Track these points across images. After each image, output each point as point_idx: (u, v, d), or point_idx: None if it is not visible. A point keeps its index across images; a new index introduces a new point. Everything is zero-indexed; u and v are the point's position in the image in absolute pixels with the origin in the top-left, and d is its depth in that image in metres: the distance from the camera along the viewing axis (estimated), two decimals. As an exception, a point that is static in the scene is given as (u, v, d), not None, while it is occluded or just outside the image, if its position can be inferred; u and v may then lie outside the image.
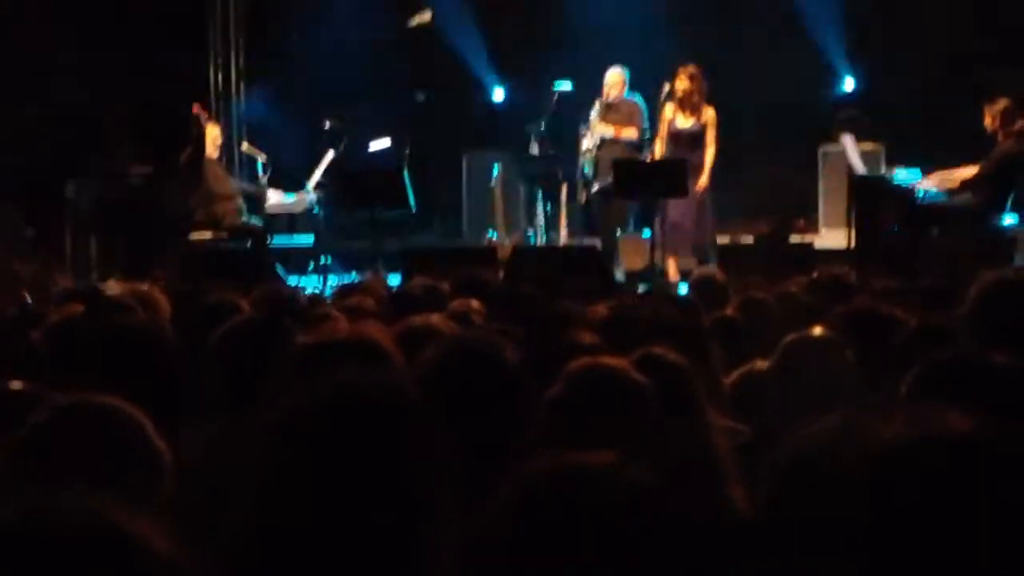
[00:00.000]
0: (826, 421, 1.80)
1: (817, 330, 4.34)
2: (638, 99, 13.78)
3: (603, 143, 13.62)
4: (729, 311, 6.12)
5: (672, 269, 12.97)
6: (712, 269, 9.45)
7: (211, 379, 3.79)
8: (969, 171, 12.44)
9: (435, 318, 4.78)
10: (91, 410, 2.35)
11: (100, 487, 2.23)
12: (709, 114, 13.17)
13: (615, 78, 13.75)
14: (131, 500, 2.24)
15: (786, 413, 3.70)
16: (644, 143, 13.69)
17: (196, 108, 13.98)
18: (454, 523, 2.18)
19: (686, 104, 13.19)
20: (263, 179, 14.39)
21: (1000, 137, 12.43)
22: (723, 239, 13.93)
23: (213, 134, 13.99)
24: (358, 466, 2.14)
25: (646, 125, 13.70)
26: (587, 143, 13.71)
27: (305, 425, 2.18)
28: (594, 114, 13.66)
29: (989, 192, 12.34)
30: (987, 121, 12.48)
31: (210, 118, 14.50)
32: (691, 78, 13.14)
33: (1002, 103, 12.44)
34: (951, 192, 12.56)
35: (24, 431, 2.31)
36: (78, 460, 2.28)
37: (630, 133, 13.63)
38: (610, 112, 13.72)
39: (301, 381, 2.41)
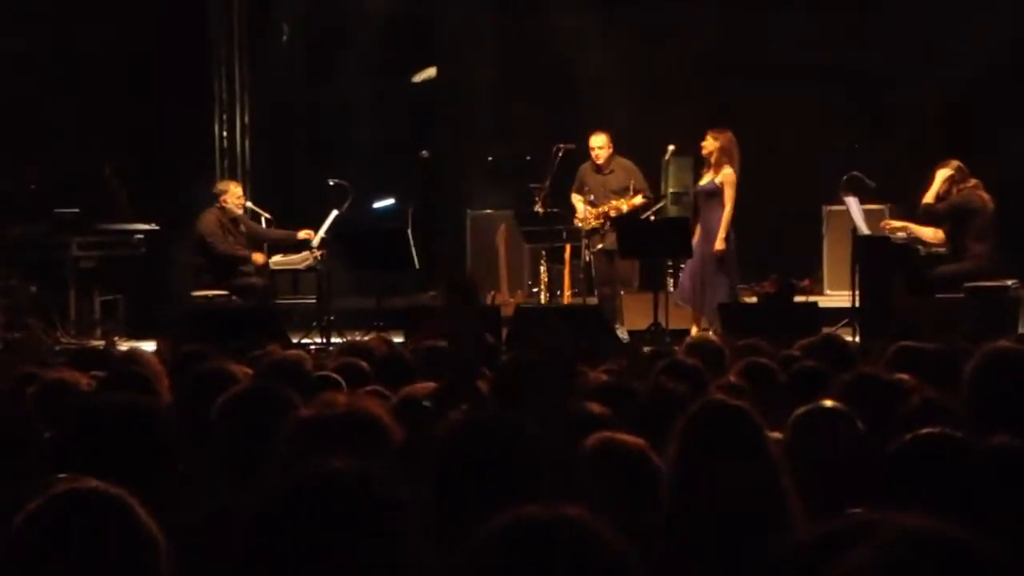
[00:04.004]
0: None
1: (827, 402, 4.28)
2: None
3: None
4: (732, 378, 6.03)
5: (695, 330, 12.88)
6: (707, 333, 9.40)
7: (213, 449, 3.80)
8: (928, 231, 12.76)
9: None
10: (80, 496, 2.33)
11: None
12: (726, 173, 13.17)
13: (603, 140, 13.80)
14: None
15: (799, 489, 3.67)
16: (650, 202, 13.81)
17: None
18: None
19: (707, 163, 13.31)
20: (267, 236, 14.44)
21: (953, 194, 12.67)
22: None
23: (236, 193, 14.03)
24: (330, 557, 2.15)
25: (645, 185, 13.79)
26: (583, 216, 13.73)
27: (278, 515, 2.19)
28: (581, 209, 13.71)
29: (952, 243, 12.56)
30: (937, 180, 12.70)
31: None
32: (715, 139, 13.24)
33: (954, 164, 12.69)
34: (918, 240, 12.79)
35: (17, 521, 2.30)
36: (70, 549, 2.26)
37: (637, 201, 13.67)
38: (604, 176, 13.77)
39: (294, 462, 2.42)
